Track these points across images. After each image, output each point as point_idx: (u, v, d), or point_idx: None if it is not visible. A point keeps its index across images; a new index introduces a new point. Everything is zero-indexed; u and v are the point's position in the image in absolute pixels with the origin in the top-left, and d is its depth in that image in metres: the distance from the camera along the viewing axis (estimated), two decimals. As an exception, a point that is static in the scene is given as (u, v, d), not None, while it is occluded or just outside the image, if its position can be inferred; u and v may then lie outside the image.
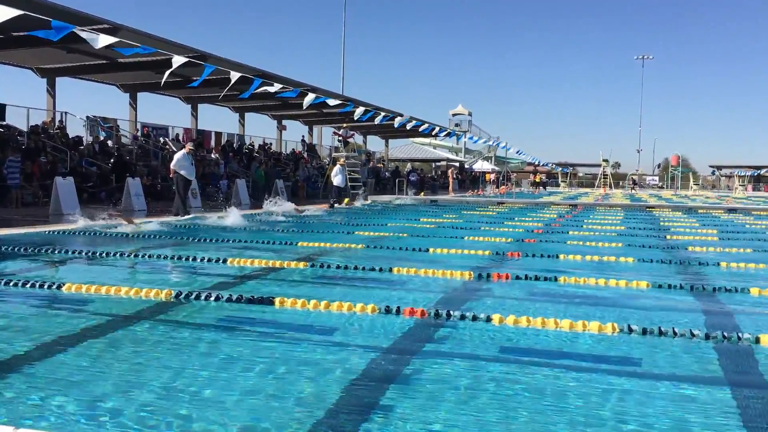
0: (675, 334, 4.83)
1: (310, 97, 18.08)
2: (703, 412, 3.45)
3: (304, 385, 3.74)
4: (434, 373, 4.04)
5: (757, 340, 4.66)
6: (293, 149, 38.46)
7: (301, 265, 8.16)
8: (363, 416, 3.29)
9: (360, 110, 21.45)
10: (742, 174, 66.53)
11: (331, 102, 19.92)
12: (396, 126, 26.84)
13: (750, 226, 16.97)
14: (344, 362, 4.23)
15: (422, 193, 32.89)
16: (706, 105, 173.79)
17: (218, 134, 32.46)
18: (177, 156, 15.75)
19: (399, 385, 3.77)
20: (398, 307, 5.41)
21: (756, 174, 66.71)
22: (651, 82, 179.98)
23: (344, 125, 28.74)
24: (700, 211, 23.65)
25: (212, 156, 28.08)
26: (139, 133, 27.82)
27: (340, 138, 28.14)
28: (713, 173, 79.74)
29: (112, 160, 22.52)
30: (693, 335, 4.79)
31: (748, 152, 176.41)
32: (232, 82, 14.96)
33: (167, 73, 13.63)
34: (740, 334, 4.77)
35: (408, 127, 27.79)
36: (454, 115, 61.39)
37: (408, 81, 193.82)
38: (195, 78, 16.01)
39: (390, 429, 3.15)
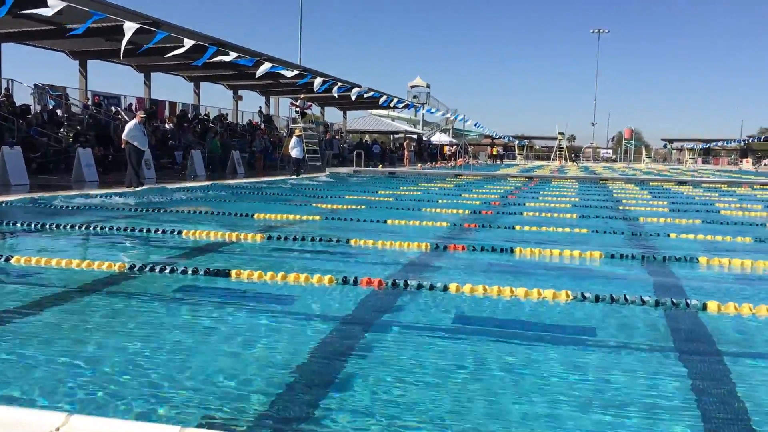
0: (626, 300, 4.95)
1: (265, 67, 17.77)
2: (653, 376, 3.55)
3: (263, 357, 3.73)
4: (392, 341, 4.06)
5: (704, 307, 4.81)
6: (250, 120, 37.89)
7: (258, 237, 8.09)
8: (321, 388, 3.28)
9: (318, 81, 21.21)
10: (693, 147, 68.26)
11: (288, 73, 19.63)
12: (353, 98, 26.63)
13: (699, 198, 17.44)
14: (302, 333, 4.22)
15: (380, 165, 32.84)
16: (659, 79, 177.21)
17: (173, 104, 31.74)
18: (128, 126, 15.35)
19: (357, 354, 3.78)
20: (356, 278, 5.42)
21: (705, 147, 68.54)
22: (606, 56, 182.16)
23: (302, 96, 28.40)
24: (652, 183, 24.19)
25: (166, 126, 27.48)
26: (89, 102, 27.02)
27: (298, 109, 27.81)
28: (665, 146, 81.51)
29: (62, 131, 21.85)
30: (643, 302, 4.92)
31: (698, 126, 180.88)
32: (185, 49, 14.59)
33: (124, 41, 13.19)
34: (688, 301, 4.91)
35: (366, 98, 27.61)
36: (412, 87, 61.22)
37: (366, 53, 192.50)
38: (150, 46, 15.58)
39: (349, 399, 3.15)
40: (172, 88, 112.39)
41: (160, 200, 12.58)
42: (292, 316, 4.67)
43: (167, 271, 5.68)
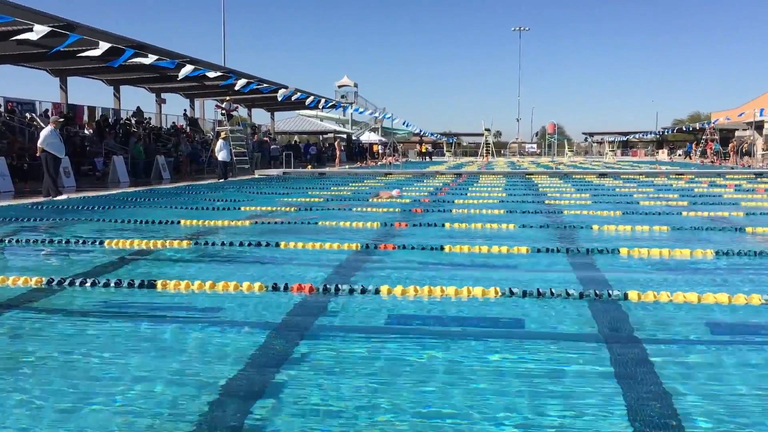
0: (552, 294, 5.08)
1: (187, 69, 17.40)
2: (579, 366, 3.65)
3: (192, 370, 3.63)
4: (325, 348, 4.03)
5: (625, 296, 4.98)
6: (174, 123, 36.98)
7: (184, 244, 7.89)
8: (254, 398, 3.23)
9: (242, 82, 20.90)
10: (612, 140, 70.80)
11: (211, 74, 19.26)
12: (280, 99, 26.37)
13: (619, 189, 18.08)
14: (232, 344, 4.14)
15: (309, 166, 32.65)
16: (579, 75, 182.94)
17: (91, 109, 30.63)
18: (43, 133, 14.73)
19: (290, 364, 3.74)
20: (286, 284, 5.35)
21: (624, 140, 71.22)
22: (528, 54, 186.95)
23: (227, 98, 27.89)
24: (575, 176, 24.93)
25: (85, 132, 26.50)
26: (2, 109, 25.76)
27: (223, 111, 27.31)
28: (586, 140, 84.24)
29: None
30: (568, 295, 5.06)
31: (616, 120, 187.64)
32: (101, 51, 14.10)
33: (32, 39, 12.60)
34: (610, 292, 5.08)
35: (293, 99, 27.38)
36: (339, 86, 61.20)
37: (293, 53, 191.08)
38: (61, 48, 14.98)
39: (282, 409, 3.11)
40: (91, 93, 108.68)
41: (79, 208, 12.10)
42: (221, 326, 4.56)
43: (88, 284, 5.47)
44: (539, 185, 20.11)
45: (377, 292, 5.23)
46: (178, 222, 9.98)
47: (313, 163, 35.94)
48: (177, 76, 19.11)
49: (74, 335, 4.29)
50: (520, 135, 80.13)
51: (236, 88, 21.95)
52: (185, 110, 39.50)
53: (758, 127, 49.59)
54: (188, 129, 36.10)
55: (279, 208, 12.45)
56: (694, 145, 52.97)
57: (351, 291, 5.26)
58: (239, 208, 12.38)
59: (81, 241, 7.83)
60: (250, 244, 7.68)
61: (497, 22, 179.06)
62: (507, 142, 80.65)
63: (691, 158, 51.62)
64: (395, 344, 4.10)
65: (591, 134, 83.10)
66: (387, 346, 4.06)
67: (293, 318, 4.73)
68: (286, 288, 5.31)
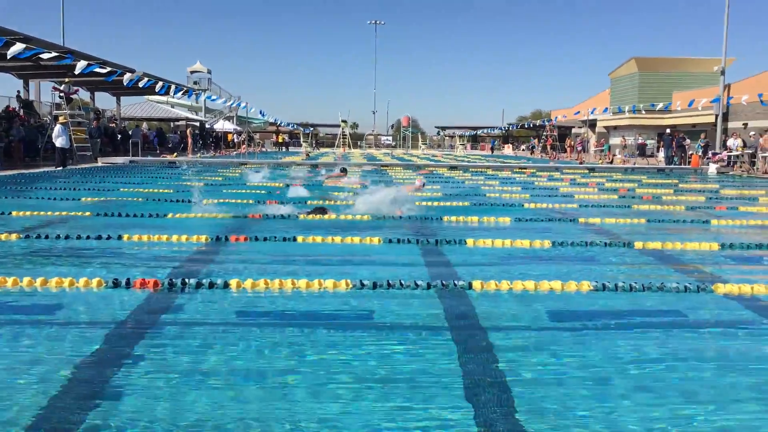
0: (402, 285, 5.19)
1: (17, 48, 15.97)
2: (428, 355, 3.77)
3: (27, 374, 3.35)
4: (171, 346, 3.87)
5: (470, 286, 5.20)
6: (7, 106, 33.84)
7: (14, 237, 7.25)
8: (92, 400, 3.03)
9: (82, 64, 19.50)
10: (462, 134, 73.83)
11: (46, 55, 17.81)
12: (126, 84, 24.92)
13: (468, 182, 18.89)
14: (68, 344, 3.86)
15: (175, 154, 31.19)
16: (432, 70, 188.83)
17: None
18: None
19: (132, 364, 3.54)
20: (128, 280, 5.07)
21: (474, 134, 74.53)
22: (384, 47, 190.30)
23: (66, 80, 25.94)
24: (427, 169, 25.72)
25: None
26: None
27: (62, 94, 25.38)
28: (438, 133, 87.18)
29: None
30: (417, 285, 5.19)
31: (466, 115, 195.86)
32: None
33: None
34: (456, 282, 5.28)
35: (141, 84, 25.97)
36: (192, 72, 58.93)
37: (142, 35, 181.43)
38: None
39: (123, 411, 2.95)
40: None
41: None
42: (57, 326, 4.24)
43: None
44: (394, 177, 20.54)
45: (226, 285, 5.09)
46: (9, 213, 9.16)
47: (177, 151, 34.40)
48: (6, 55, 17.49)
49: None
50: (376, 127, 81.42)
51: (76, 71, 20.45)
52: (18, 91, 36.29)
53: (591, 125, 53.77)
54: (22, 112, 33.21)
55: (124, 199, 11.77)
56: (535, 141, 56.51)
57: (199, 285, 5.08)
58: (79, 199, 11.58)
59: None
60: (89, 237, 7.20)
61: (354, 14, 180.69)
62: (363, 134, 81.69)
63: (531, 152, 55.12)
64: (244, 339, 4.01)
65: (443, 128, 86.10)
66: (236, 341, 3.96)
67: (136, 315, 4.49)
68: (128, 284, 5.03)
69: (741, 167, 27.33)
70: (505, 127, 70.96)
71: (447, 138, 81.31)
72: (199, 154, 34.36)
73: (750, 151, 27.23)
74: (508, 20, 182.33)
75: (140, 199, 11.77)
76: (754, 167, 26.33)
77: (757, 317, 4.76)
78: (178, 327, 4.26)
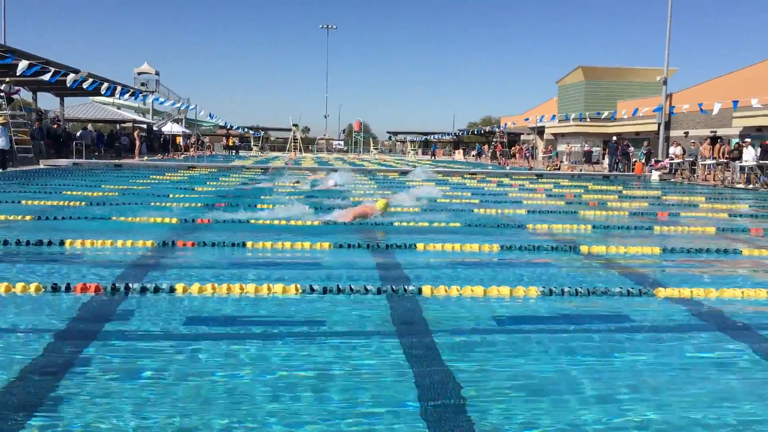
0: (352, 291, 5.17)
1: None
2: (376, 358, 3.76)
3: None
4: (113, 352, 3.76)
5: (420, 291, 5.22)
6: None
7: (-51, 242, 6.97)
8: (30, 410, 2.93)
9: (23, 64, 18.91)
10: (414, 140, 74.31)
11: (-14, 53, 17.20)
12: (70, 85, 24.24)
13: (419, 187, 18.97)
14: (7, 351, 3.72)
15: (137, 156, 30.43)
16: (384, 75, 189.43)
17: None
18: None
19: (74, 372, 3.44)
20: (68, 284, 4.92)
21: (425, 139, 75.10)
22: (336, 51, 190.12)
23: (7, 80, 25.10)
24: (378, 174, 25.76)
25: None
26: None
27: (2, 94, 24.54)
28: (390, 138, 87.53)
29: None
30: (367, 291, 5.19)
31: (418, 120, 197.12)
32: None
33: None
34: (406, 287, 5.29)
35: (86, 86, 25.30)
36: (139, 73, 57.69)
37: (88, 35, 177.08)
38: None
39: (62, 420, 2.85)
40: None
41: None
42: (-9, 333, 4.08)
43: None
44: (345, 183, 20.49)
45: (172, 290, 4.99)
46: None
47: (125, 154, 33.58)
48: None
49: None
50: (328, 131, 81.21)
51: (18, 71, 19.80)
52: (-45, 90, 34.95)
53: (540, 131, 54.82)
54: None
55: (67, 203, 11.44)
56: (485, 147, 57.24)
57: (143, 290, 4.97)
58: (19, 202, 11.20)
59: None
60: (29, 243, 6.96)
61: (306, 18, 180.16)
62: (315, 138, 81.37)
63: (479, 158, 55.85)
64: (190, 344, 3.93)
65: (395, 133, 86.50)
66: (182, 347, 3.88)
67: (77, 321, 4.36)
68: (68, 288, 4.88)
69: (682, 174, 28.23)
70: (456, 133, 71.67)
71: (399, 143, 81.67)
72: (146, 158, 33.64)
73: (690, 159, 28.16)
74: (460, 27, 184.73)
75: (83, 203, 11.45)
76: (695, 174, 27.23)
77: (696, 320, 4.91)
78: (121, 332, 4.15)
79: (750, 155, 23.35)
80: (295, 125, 62.42)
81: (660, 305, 5.26)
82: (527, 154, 45.26)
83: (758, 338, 4.46)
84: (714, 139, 28.93)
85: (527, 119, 52.19)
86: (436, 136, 74.32)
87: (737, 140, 26.88)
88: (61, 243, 6.99)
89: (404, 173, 25.46)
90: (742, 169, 23.58)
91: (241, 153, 57.21)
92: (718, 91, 32.03)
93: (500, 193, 17.24)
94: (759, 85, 29.06)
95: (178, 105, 44.71)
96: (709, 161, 26.06)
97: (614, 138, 33.40)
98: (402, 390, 3.34)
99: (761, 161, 22.85)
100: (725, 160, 25.08)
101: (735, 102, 26.06)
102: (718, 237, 9.56)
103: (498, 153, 49.65)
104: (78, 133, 34.44)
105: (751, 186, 22.54)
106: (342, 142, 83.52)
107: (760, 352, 4.14)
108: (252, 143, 69.20)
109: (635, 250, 7.74)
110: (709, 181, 25.49)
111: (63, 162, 25.00)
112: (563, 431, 2.94)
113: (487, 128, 62.69)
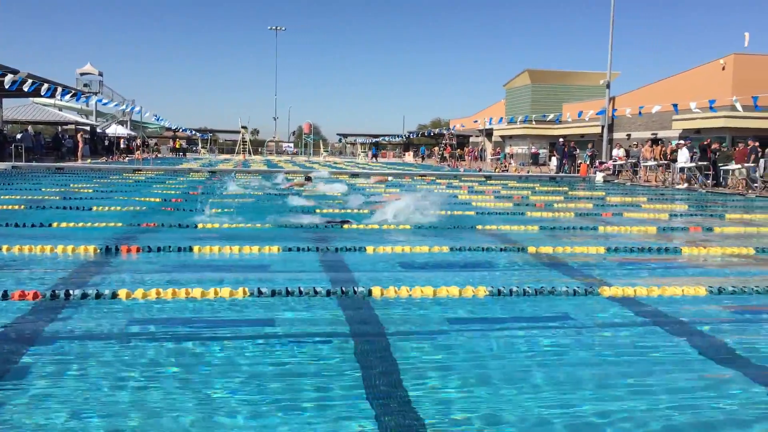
0: (301, 293, 5.14)
1: None
2: (328, 360, 3.74)
3: None
4: (53, 359, 3.65)
5: (369, 293, 5.22)
6: None
7: None
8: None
9: (-41, 63, 18.16)
10: (364, 142, 74.38)
11: None
12: (8, 86, 23.44)
13: (369, 189, 19.00)
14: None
15: (89, 159, 29.50)
16: (333, 77, 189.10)
17: None
18: None
19: (9, 379, 3.32)
20: (5, 291, 4.74)
21: (375, 141, 75.24)
22: (285, 53, 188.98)
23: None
24: (332, 176, 25.66)
25: None
26: None
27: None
28: (340, 141, 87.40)
29: None
30: (316, 293, 5.16)
31: (368, 122, 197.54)
32: None
33: None
34: (356, 288, 5.28)
35: (25, 87, 24.51)
36: (82, 74, 56.19)
37: (28, 35, 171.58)
38: None
39: (3, 425, 2.76)
40: None
41: None
42: None
43: None
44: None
45: (114, 296, 4.87)
46: None
47: (69, 157, 32.60)
48: None
49: None
50: (277, 134, 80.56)
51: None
52: None
53: (488, 134, 55.54)
54: None
55: (4, 207, 11.05)
56: (434, 149, 57.79)
57: (84, 296, 4.83)
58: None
59: None
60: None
61: (254, 19, 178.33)
62: (265, 140, 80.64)
63: (422, 159, 56.41)
64: (133, 351, 3.84)
65: (345, 135, 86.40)
66: (124, 353, 3.78)
67: (15, 329, 4.21)
68: (5, 296, 4.71)
69: (625, 176, 29.01)
70: (406, 135, 72.08)
71: (349, 145, 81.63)
72: (89, 160, 32.75)
73: (633, 161, 28.96)
74: (410, 29, 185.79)
75: (21, 207, 11.07)
76: (637, 176, 28.01)
77: (639, 317, 5.04)
78: (60, 340, 4.03)
79: (684, 157, 24.16)
80: (244, 127, 61.75)
81: (604, 304, 5.37)
82: (472, 155, 45.79)
83: (698, 333, 4.60)
84: (655, 142, 29.86)
85: (476, 121, 52.82)
86: (387, 138, 74.59)
87: (677, 142, 27.76)
88: (-1, 249, 6.74)
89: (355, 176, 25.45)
90: (681, 170, 24.36)
91: (189, 155, 56.30)
92: (658, 94, 33.04)
93: (450, 194, 17.38)
94: (698, 88, 30.10)
95: (123, 106, 43.73)
96: (650, 163, 26.85)
97: (561, 140, 34.05)
98: (351, 389, 3.33)
99: (700, 162, 23.65)
100: (666, 162, 25.89)
101: (675, 105, 26.94)
102: (658, 236, 9.85)
103: (447, 155, 50.10)
104: (18, 136, 33.31)
105: (686, 186, 23.31)
106: (292, 145, 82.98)
107: (698, 346, 4.27)
108: (200, 145, 68.17)
109: (581, 250, 7.91)
110: (650, 181, 26.25)
111: (1, 165, 24.15)
112: (512, 425, 2.98)
113: (437, 130, 63.20)
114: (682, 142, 25.85)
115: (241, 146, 60.64)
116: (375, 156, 60.51)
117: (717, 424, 3.10)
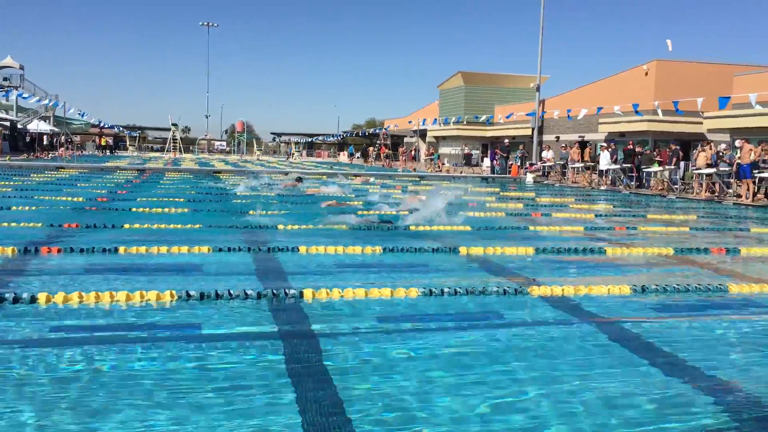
0: (231, 296, 5.03)
1: None
2: (258, 364, 3.67)
3: None
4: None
5: (301, 294, 5.16)
6: None
7: None
8: None
9: None
10: (298, 141, 73.85)
11: None
12: None
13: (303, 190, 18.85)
14: None
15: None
16: (267, 75, 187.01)
17: None
18: None
19: None
20: None
21: (309, 141, 74.85)
22: (217, 50, 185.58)
23: None
24: (264, 175, 25.33)
25: None
26: None
27: None
28: (274, 140, 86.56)
29: None
30: (247, 296, 5.06)
31: (302, 122, 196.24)
32: None
33: None
34: (287, 290, 5.21)
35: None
36: (1, 68, 53.68)
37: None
38: None
39: None
40: None
41: None
42: None
43: None
44: (227, 183, 20.02)
45: (34, 300, 4.65)
46: None
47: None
48: None
49: None
50: (209, 132, 78.98)
51: None
52: None
53: (422, 134, 56.02)
54: None
55: None
56: (369, 149, 57.90)
57: (1, 300, 4.60)
58: None
59: None
60: None
61: (185, 14, 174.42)
62: (196, 139, 79.00)
63: (351, 159, 56.61)
64: (51, 358, 3.67)
65: (279, 134, 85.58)
66: (42, 360, 3.61)
67: None
68: None
69: (554, 177, 29.78)
70: (341, 135, 71.93)
71: (283, 144, 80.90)
72: (8, 157, 31.28)
73: (561, 162, 29.77)
74: (344, 29, 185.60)
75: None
76: (565, 177, 28.81)
77: (567, 316, 5.16)
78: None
79: (606, 160, 25.02)
80: (175, 125, 60.35)
81: (534, 302, 5.48)
82: (407, 155, 46.10)
83: (624, 329, 4.74)
84: (582, 144, 30.76)
85: (410, 122, 53.17)
86: (321, 138, 74.25)
87: (601, 145, 28.69)
88: None
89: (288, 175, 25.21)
90: (606, 172, 25.18)
91: (117, 153, 54.59)
92: (586, 98, 34.04)
93: (385, 194, 17.42)
94: (623, 92, 31.16)
95: (45, 102, 42.03)
96: (578, 164, 27.65)
97: (506, 141, 34.50)
98: (282, 392, 3.28)
99: (624, 165, 24.50)
100: (592, 164, 26.72)
101: (599, 108, 27.80)
102: (585, 236, 10.14)
103: (383, 155, 50.26)
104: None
105: (608, 187, 24.13)
106: (224, 143, 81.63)
107: (624, 341, 4.41)
108: (128, 143, 66.19)
109: (512, 250, 8.05)
110: (578, 182, 27.04)
111: None
112: (443, 423, 2.99)
113: (371, 130, 63.33)
114: (604, 145, 26.72)
115: (172, 144, 59.22)
116: (290, 155, 60.65)
117: (640, 416, 3.19)
